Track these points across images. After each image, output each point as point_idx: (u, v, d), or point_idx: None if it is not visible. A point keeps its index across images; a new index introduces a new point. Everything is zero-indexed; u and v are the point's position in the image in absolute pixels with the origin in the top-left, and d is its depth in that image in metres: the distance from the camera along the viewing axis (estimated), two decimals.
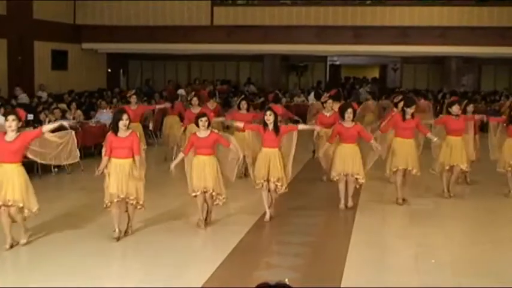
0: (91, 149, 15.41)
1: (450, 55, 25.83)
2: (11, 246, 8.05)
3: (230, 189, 9.40)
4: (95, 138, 15.34)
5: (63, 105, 17.16)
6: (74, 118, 15.93)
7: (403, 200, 10.76)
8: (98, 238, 8.53)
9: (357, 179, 10.18)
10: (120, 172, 8.32)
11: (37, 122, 14.27)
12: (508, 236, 9.24)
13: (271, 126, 9.46)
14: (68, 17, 25.63)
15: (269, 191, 9.53)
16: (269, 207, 9.60)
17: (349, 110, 10.20)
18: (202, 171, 8.94)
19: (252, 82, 28.08)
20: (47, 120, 14.34)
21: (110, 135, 8.50)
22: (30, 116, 14.66)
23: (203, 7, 26.04)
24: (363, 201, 10.88)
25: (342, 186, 10.28)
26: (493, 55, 25.47)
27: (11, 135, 7.92)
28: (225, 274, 7.27)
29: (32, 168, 12.68)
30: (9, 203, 7.86)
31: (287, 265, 7.52)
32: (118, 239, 8.45)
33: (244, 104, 12.58)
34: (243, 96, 13.68)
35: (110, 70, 28.40)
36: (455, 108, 11.16)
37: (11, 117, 7.90)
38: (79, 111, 16.78)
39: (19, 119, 8.00)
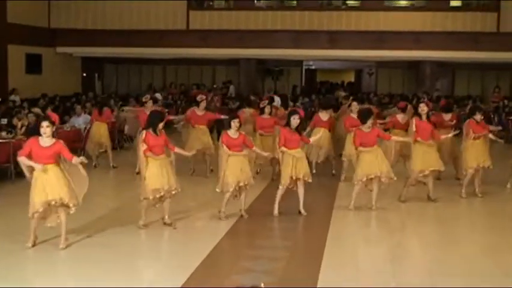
0: None
1: (424, 60, 26.07)
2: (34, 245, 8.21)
3: (208, 194, 9.44)
4: (69, 143, 15.17)
5: (37, 110, 16.99)
6: None
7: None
8: (77, 242, 8.47)
9: (380, 178, 10.46)
10: (163, 167, 9.07)
11: (10, 127, 14.14)
12: (483, 239, 9.38)
13: (294, 128, 10.03)
14: (42, 20, 25.44)
15: (295, 188, 10.12)
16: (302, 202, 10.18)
17: (371, 117, 10.63)
18: (237, 167, 9.65)
19: (230, 83, 27.95)
20: (20, 124, 14.19)
21: (148, 133, 9.10)
22: (4, 121, 14.55)
23: (179, 11, 26.01)
24: (338, 204, 10.95)
25: (358, 190, 10.57)
26: (467, 60, 25.75)
27: (46, 141, 8.10)
28: (201, 278, 7.25)
29: (5, 173, 12.62)
30: (53, 202, 8.04)
31: (263, 269, 7.52)
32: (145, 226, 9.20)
33: (268, 109, 13.09)
34: (267, 101, 13.84)
35: (85, 74, 28.22)
36: (478, 116, 11.66)
37: (45, 124, 8.09)
38: None
39: (52, 123, 8.17)
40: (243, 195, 9.93)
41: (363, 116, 10.64)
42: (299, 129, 10.15)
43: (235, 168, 9.66)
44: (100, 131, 14.64)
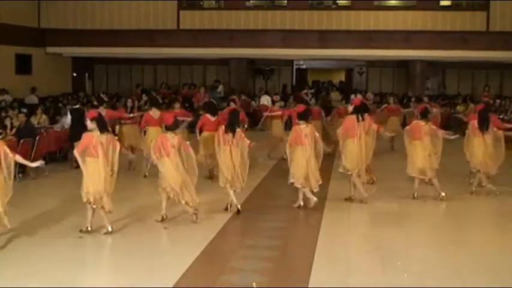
0: (55, 154, 15.25)
1: (414, 59, 26.14)
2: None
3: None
4: (59, 143, 15.16)
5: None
6: (38, 123, 15.77)
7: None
8: (65, 243, 8.46)
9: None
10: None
11: (2, 128, 14.06)
12: (471, 237, 9.43)
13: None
14: (32, 20, 25.36)
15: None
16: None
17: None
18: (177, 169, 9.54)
19: (219, 82, 27.89)
20: (11, 124, 14.13)
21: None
22: None
23: (169, 11, 26.00)
24: (329, 203, 10.96)
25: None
26: (456, 59, 25.84)
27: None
28: (192, 278, 7.26)
29: None
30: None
31: (254, 269, 7.52)
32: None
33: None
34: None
35: (75, 74, 28.13)
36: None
37: None
38: (44, 116, 16.60)
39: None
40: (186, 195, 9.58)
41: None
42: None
43: (173, 170, 9.41)
44: (135, 133, 14.39)
